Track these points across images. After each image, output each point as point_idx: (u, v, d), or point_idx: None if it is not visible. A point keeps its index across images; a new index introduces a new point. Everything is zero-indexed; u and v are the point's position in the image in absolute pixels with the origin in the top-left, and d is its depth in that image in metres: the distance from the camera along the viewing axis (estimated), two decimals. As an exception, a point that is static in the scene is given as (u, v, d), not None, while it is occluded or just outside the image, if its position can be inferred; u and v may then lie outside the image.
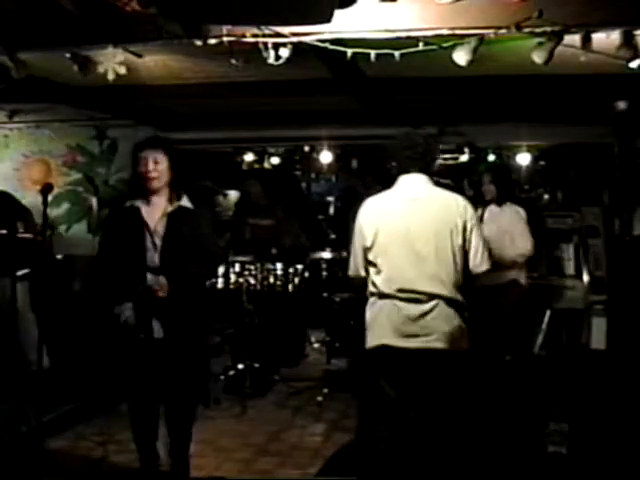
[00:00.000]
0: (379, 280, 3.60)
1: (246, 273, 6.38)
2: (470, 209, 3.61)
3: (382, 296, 3.59)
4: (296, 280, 6.52)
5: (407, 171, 3.67)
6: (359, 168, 8.81)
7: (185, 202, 3.95)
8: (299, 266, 6.55)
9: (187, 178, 4.06)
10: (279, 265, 6.45)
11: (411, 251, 3.53)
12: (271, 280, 6.45)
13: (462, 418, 3.58)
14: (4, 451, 4.28)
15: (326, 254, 6.97)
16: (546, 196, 8.36)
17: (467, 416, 3.63)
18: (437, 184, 3.72)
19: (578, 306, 6.39)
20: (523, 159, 7.65)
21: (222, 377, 6.26)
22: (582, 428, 4.30)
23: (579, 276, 6.72)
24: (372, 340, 3.64)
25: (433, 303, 3.50)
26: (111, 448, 4.79)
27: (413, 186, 3.66)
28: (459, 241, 3.53)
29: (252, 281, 6.40)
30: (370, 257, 3.63)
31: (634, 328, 5.61)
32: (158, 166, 3.90)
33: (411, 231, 3.54)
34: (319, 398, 5.92)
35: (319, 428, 5.37)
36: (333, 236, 7.80)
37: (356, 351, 4.93)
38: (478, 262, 3.55)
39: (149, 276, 3.82)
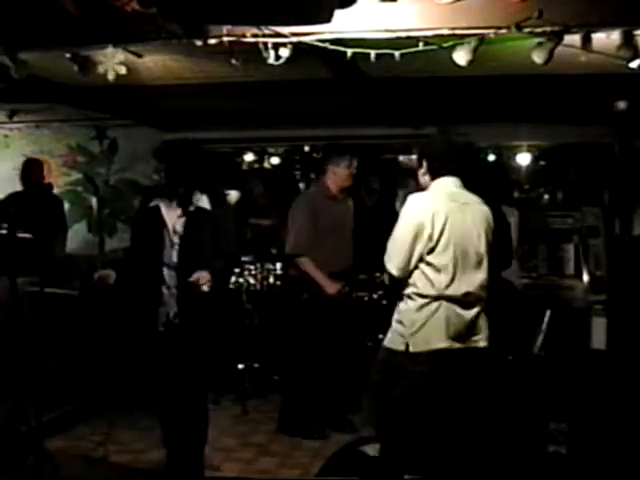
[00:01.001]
0: (430, 284, 3.53)
1: (246, 273, 6.38)
2: (488, 210, 3.72)
3: (437, 298, 3.53)
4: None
5: (444, 174, 3.64)
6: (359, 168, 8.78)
7: (203, 203, 4.11)
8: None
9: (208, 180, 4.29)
10: (279, 265, 6.45)
11: (465, 254, 3.56)
12: (271, 280, 6.45)
13: (477, 416, 3.63)
14: (4, 451, 4.28)
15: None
16: (546, 196, 8.35)
17: (473, 416, 3.64)
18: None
19: (578, 306, 6.39)
20: (523, 159, 7.65)
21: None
22: (582, 428, 4.30)
23: (579, 276, 6.72)
24: (421, 344, 3.53)
25: (479, 306, 3.60)
26: (111, 448, 4.79)
27: (456, 190, 3.65)
28: (486, 244, 3.62)
29: (252, 281, 6.40)
30: (428, 258, 3.53)
31: (634, 328, 5.61)
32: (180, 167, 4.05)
33: (465, 234, 3.56)
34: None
35: (319, 428, 5.36)
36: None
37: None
38: (497, 264, 3.71)
39: (165, 272, 4.00)
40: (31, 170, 6.32)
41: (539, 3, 3.34)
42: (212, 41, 3.65)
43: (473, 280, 3.56)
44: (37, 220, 6.03)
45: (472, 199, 3.69)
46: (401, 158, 8.25)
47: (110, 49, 3.82)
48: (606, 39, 3.48)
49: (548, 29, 3.35)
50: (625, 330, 5.81)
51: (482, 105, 6.31)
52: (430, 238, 3.49)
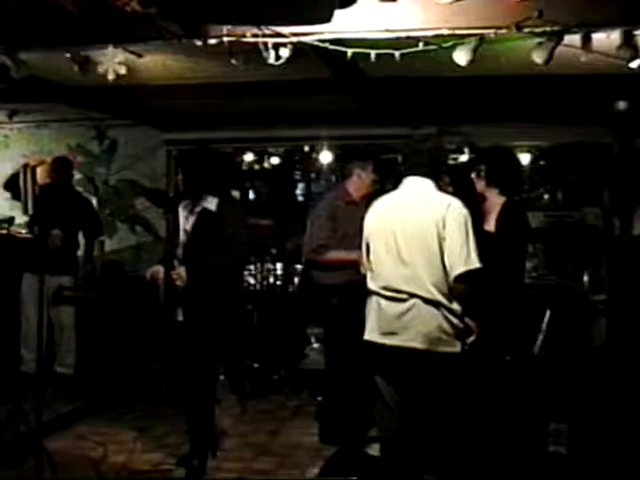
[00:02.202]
0: (369, 277, 3.71)
1: (246, 273, 6.39)
2: (455, 209, 3.51)
3: (371, 293, 3.69)
4: (296, 280, 6.53)
5: (411, 174, 3.70)
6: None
7: (208, 204, 4.34)
8: (299, 266, 6.55)
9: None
10: (279, 265, 6.46)
11: (396, 251, 3.56)
12: (271, 280, 6.46)
13: (442, 416, 3.59)
14: (4, 451, 4.28)
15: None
16: (546, 196, 8.35)
17: (461, 415, 3.62)
18: (442, 189, 3.70)
19: (578, 306, 6.39)
20: (523, 159, 7.64)
21: (222, 377, 6.26)
22: (582, 428, 4.30)
23: (579, 276, 6.72)
24: (365, 334, 3.73)
25: (411, 302, 3.51)
26: (111, 448, 4.79)
27: (410, 189, 3.70)
28: (439, 243, 3.48)
29: (252, 281, 6.41)
30: (371, 254, 3.72)
31: (634, 328, 5.61)
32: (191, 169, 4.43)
33: (397, 232, 3.57)
34: (319, 398, 5.92)
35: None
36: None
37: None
38: (452, 262, 3.44)
39: (176, 266, 4.35)
40: (62, 169, 6.29)
41: (539, 3, 3.34)
42: (212, 41, 3.65)
43: (402, 276, 3.52)
44: (74, 221, 6.11)
45: (425, 197, 3.61)
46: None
47: (110, 49, 3.82)
48: (606, 39, 3.48)
49: (548, 29, 3.35)
50: (625, 330, 5.80)
51: (482, 105, 6.32)
52: (366, 237, 3.74)
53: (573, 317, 5.99)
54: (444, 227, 3.46)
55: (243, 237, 4.41)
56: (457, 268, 3.43)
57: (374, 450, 4.30)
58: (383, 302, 3.60)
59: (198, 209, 4.39)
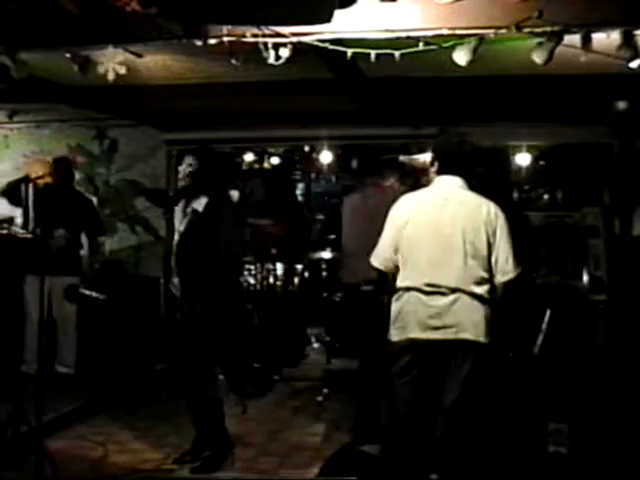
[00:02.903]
0: (406, 273, 3.66)
1: (246, 273, 6.39)
2: (501, 216, 3.63)
3: (408, 289, 3.64)
4: (296, 280, 6.53)
5: (444, 172, 3.73)
6: (359, 168, 8.81)
7: (197, 205, 4.31)
8: (299, 266, 6.56)
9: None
10: (279, 265, 6.46)
11: (438, 247, 3.59)
12: (271, 280, 6.46)
13: (451, 415, 3.61)
14: (4, 451, 4.28)
15: (326, 254, 6.96)
16: (546, 196, 8.35)
17: (467, 415, 3.63)
18: (473, 189, 3.75)
19: (578, 306, 6.39)
20: (523, 159, 7.64)
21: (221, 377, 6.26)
22: (582, 428, 4.30)
23: (579, 276, 6.72)
24: (398, 334, 3.67)
25: (455, 296, 3.55)
26: (111, 448, 4.79)
27: (447, 187, 3.72)
28: (485, 245, 3.57)
29: (252, 281, 6.41)
30: (398, 249, 3.68)
31: (634, 328, 5.61)
32: (188, 170, 4.38)
33: (440, 228, 3.61)
34: (319, 398, 5.93)
35: (319, 428, 5.37)
36: (333, 236, 7.79)
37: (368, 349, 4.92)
38: (504, 269, 3.58)
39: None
40: (63, 168, 6.29)
41: (539, 3, 3.34)
42: (212, 41, 3.65)
43: (445, 272, 3.56)
44: (77, 221, 6.12)
45: (466, 197, 3.68)
46: (401, 158, 8.25)
47: (110, 49, 3.82)
48: (606, 39, 3.48)
49: (548, 29, 3.35)
50: (625, 330, 5.81)
51: (482, 105, 6.32)
52: (399, 230, 3.67)
53: (573, 317, 5.99)
54: (494, 233, 3.59)
55: (231, 237, 4.40)
56: (508, 273, 3.59)
57: (374, 450, 4.30)
58: (424, 298, 3.58)
59: (189, 209, 4.39)
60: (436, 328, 3.56)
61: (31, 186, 6.00)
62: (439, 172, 3.75)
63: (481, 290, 3.57)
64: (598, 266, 6.67)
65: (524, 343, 5.04)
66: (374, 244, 3.81)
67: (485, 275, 3.58)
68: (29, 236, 5.55)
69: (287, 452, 4.87)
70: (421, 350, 3.61)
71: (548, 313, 5.24)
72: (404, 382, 3.65)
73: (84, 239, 6.34)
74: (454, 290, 3.55)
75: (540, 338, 5.11)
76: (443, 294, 3.56)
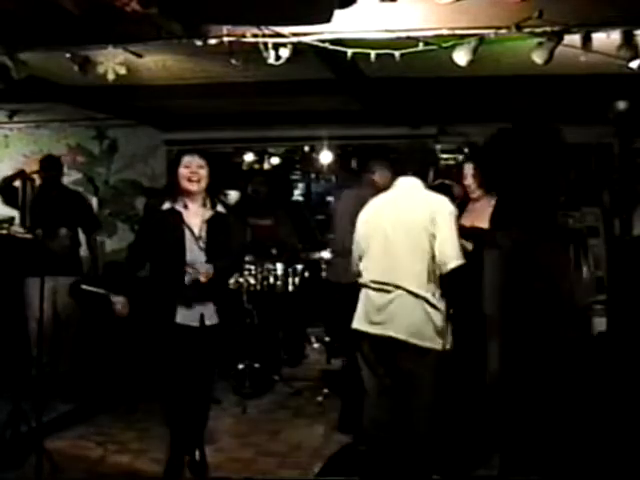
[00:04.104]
0: (364, 271, 3.85)
1: (246, 273, 6.38)
2: (445, 206, 3.70)
3: (361, 285, 3.85)
4: (296, 280, 6.53)
5: (403, 174, 3.87)
6: (359, 168, 8.81)
7: (220, 208, 4.25)
8: (299, 266, 6.55)
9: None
10: (279, 265, 6.45)
11: (385, 247, 3.72)
12: (271, 280, 6.45)
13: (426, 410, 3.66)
14: (4, 451, 4.28)
15: (326, 254, 6.95)
16: (546, 196, 8.34)
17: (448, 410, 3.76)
18: (433, 188, 3.88)
19: (578, 306, 6.38)
20: (523, 159, 7.64)
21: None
22: (582, 428, 4.30)
23: (579, 276, 6.71)
24: (356, 322, 3.87)
25: (396, 294, 3.65)
26: (111, 448, 4.79)
27: (401, 188, 3.86)
28: (428, 244, 3.62)
29: (252, 281, 6.40)
30: (359, 250, 3.90)
31: (634, 328, 5.61)
32: (201, 170, 4.11)
33: (387, 227, 3.74)
34: (319, 398, 5.93)
35: (319, 428, 5.36)
36: (332, 236, 7.79)
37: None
38: (442, 259, 3.59)
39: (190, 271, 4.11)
40: (51, 167, 6.25)
41: (539, 3, 3.34)
42: (212, 41, 3.65)
43: (390, 270, 3.68)
44: (72, 218, 6.09)
45: (415, 196, 3.78)
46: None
47: (110, 49, 3.82)
48: (606, 39, 3.48)
49: (548, 29, 3.35)
50: (625, 330, 5.80)
51: (482, 105, 6.32)
52: (358, 233, 3.91)
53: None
54: (434, 225, 3.62)
55: (241, 239, 4.43)
56: (450, 263, 3.58)
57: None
58: (371, 293, 3.77)
59: (210, 213, 4.25)
60: (375, 323, 3.72)
61: (29, 185, 5.98)
62: (398, 173, 3.91)
63: (426, 292, 3.61)
64: (598, 266, 6.67)
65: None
66: None
67: (432, 276, 3.62)
68: (29, 236, 5.54)
69: (287, 452, 4.87)
70: (369, 343, 3.77)
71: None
72: (368, 371, 3.81)
73: (81, 237, 6.30)
74: (397, 287, 3.65)
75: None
76: (387, 292, 3.69)
